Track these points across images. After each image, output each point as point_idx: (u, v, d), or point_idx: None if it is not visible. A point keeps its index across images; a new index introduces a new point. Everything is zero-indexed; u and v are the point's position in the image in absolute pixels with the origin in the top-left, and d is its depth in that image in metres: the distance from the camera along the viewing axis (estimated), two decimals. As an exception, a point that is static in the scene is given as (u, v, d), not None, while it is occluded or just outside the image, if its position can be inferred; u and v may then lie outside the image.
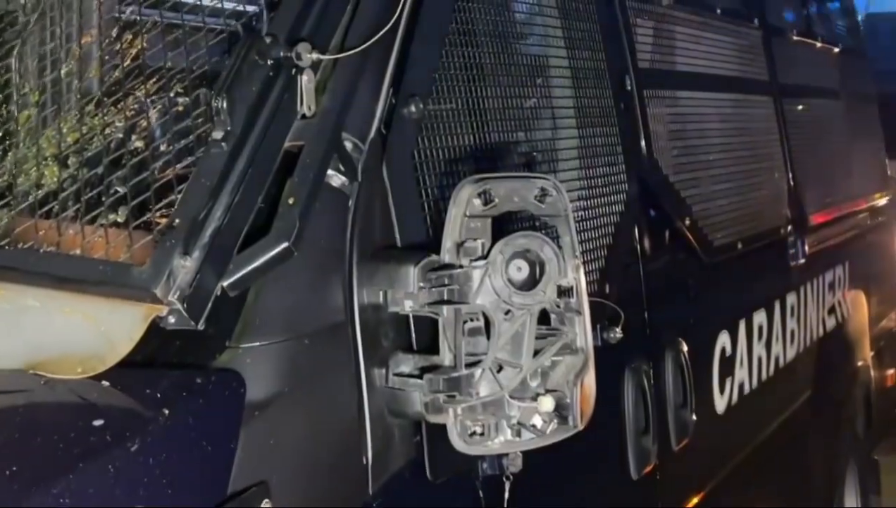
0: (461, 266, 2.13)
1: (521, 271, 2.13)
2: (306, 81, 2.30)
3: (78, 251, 2.10)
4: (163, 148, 2.35)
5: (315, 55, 2.28)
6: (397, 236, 2.35)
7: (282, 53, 2.26)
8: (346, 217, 2.27)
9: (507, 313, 2.13)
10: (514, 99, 2.84)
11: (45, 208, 2.30)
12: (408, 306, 2.22)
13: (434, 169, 2.49)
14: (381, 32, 2.33)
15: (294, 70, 2.28)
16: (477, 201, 2.18)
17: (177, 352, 2.10)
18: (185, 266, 2.01)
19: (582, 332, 2.19)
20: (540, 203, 2.17)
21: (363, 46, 2.33)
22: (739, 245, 4.32)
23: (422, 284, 2.17)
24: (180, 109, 2.40)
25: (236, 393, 1.98)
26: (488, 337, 2.17)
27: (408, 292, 2.20)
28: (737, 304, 4.35)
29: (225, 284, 2.07)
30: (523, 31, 3.00)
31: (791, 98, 5.37)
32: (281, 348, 2.12)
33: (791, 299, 4.99)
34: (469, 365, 2.16)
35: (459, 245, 2.16)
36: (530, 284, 2.13)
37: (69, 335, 2.03)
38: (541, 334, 2.19)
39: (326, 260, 2.23)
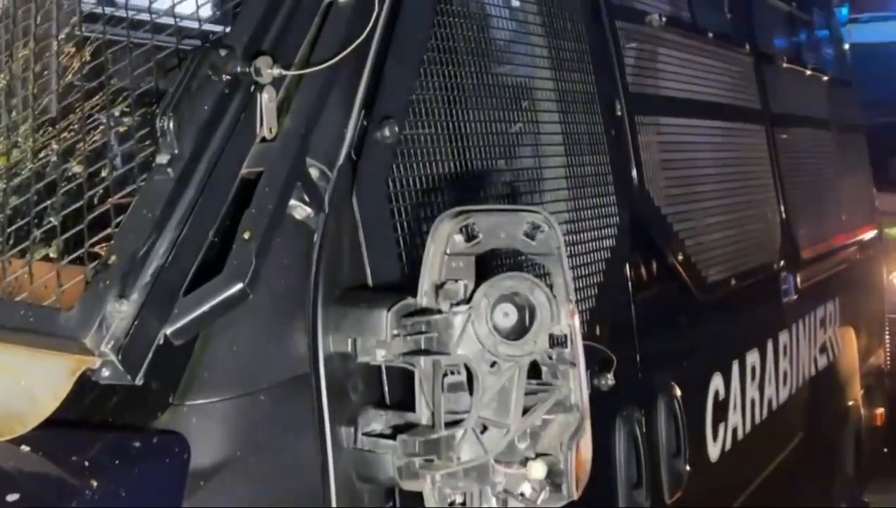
0: (440, 311, 1.85)
1: (508, 317, 1.86)
2: (266, 99, 2.03)
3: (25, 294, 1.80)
4: (102, 173, 2.06)
5: (277, 70, 2.01)
6: (368, 275, 2.07)
7: (239, 68, 1.99)
8: (311, 254, 1.99)
9: (492, 365, 1.86)
10: (498, 124, 2.57)
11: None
12: (379, 357, 1.94)
13: (410, 200, 2.22)
14: (353, 46, 2.07)
15: (253, 87, 2.00)
16: (458, 238, 1.90)
17: (112, 410, 1.82)
18: (120, 311, 1.73)
19: (577, 387, 1.92)
20: (530, 239, 1.90)
21: (332, 62, 2.06)
22: (733, 281, 4.07)
23: (396, 331, 1.89)
24: (123, 130, 2.12)
25: (179, 459, 1.70)
26: (471, 392, 1.88)
27: (380, 341, 1.92)
28: (730, 344, 4.09)
29: (168, 331, 1.79)
30: (507, 51, 2.73)
31: (783, 128, 5.14)
32: (232, 405, 1.84)
33: (783, 337, 4.75)
34: (449, 425, 1.88)
35: (439, 287, 1.88)
36: (519, 332, 1.86)
37: (-14, 391, 1.73)
38: (530, 389, 1.92)
39: (286, 303, 1.95)
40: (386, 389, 2.05)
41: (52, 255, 2.03)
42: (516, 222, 1.93)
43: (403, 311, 1.92)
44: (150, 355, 1.78)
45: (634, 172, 3.33)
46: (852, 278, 6.50)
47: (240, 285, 1.81)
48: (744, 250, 4.33)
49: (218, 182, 1.94)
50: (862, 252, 6.83)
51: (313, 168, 2.04)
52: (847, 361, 6.14)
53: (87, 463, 1.64)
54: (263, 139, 2.04)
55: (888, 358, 7.80)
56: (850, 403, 6.14)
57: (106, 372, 1.74)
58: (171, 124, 1.86)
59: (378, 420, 2.00)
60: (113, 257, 1.78)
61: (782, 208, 4.95)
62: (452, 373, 1.91)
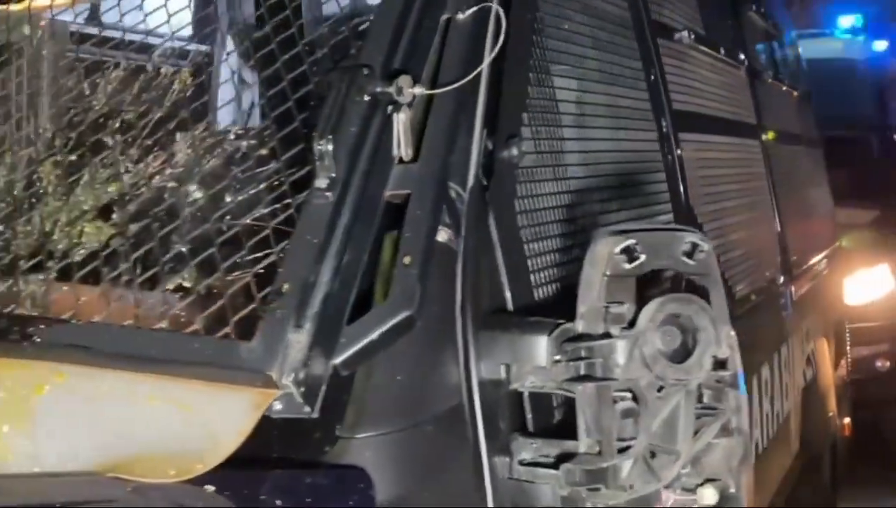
0: (607, 335, 1.79)
1: (671, 340, 1.81)
2: (404, 119, 1.95)
3: (164, 325, 1.71)
4: (228, 197, 1.98)
5: (419, 89, 1.94)
6: (508, 299, 2.01)
7: (379, 88, 1.91)
8: (455, 278, 1.92)
9: (659, 389, 1.80)
10: (595, 141, 2.52)
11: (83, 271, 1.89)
12: (537, 383, 1.88)
13: (534, 220, 2.16)
14: (487, 61, 2.01)
15: (391, 107, 1.93)
16: (619, 258, 1.85)
17: (276, 445, 1.72)
18: (298, 341, 1.65)
19: (739, 410, 1.87)
20: (689, 259, 1.85)
21: (467, 79, 2.01)
22: (753, 296, 4.07)
23: (557, 357, 1.83)
24: (244, 153, 2.04)
25: (366, 496, 1.61)
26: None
27: (537, 367, 1.86)
28: (750, 359, 4.08)
29: (337, 361, 1.71)
30: (589, 69, 2.68)
31: (774, 142, 5.18)
32: (403, 437, 1.78)
33: (784, 350, 4.77)
34: (611, 452, 1.82)
35: (605, 310, 1.82)
36: (681, 355, 1.80)
37: (158, 429, 1.65)
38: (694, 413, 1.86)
39: (439, 330, 1.87)
40: (529, 417, 1.99)
41: (186, 285, 1.94)
42: (676, 242, 1.89)
43: (564, 336, 1.86)
44: (324, 386, 1.70)
45: (681, 188, 3.31)
46: (823, 289, 6.58)
47: (407, 313, 1.74)
48: (757, 264, 4.35)
49: (368, 206, 1.86)
50: (829, 264, 6.92)
51: (452, 190, 1.97)
52: (825, 372, 6.21)
53: (279, 503, 1.55)
54: (401, 160, 1.96)
55: (849, 368, 7.90)
56: (830, 414, 6.20)
57: (279, 405, 1.66)
58: (330, 147, 1.79)
59: (527, 449, 1.94)
60: (286, 285, 1.70)
61: (777, 222, 4.98)
62: (618, 400, 1.85)
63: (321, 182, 1.80)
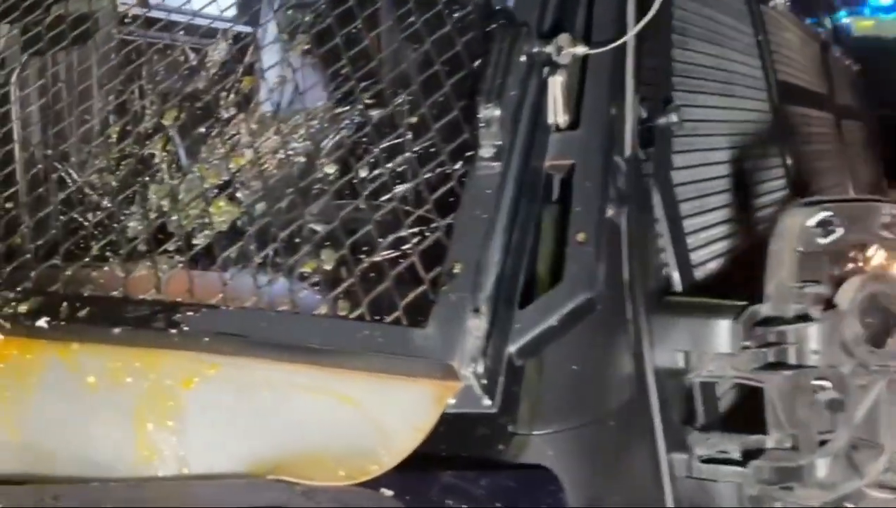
0: (806, 317, 1.61)
1: (871, 322, 1.62)
2: (561, 82, 1.76)
3: (323, 310, 1.53)
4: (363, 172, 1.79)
5: (580, 49, 1.75)
6: (676, 277, 1.82)
7: (536, 48, 1.72)
8: (621, 257, 1.73)
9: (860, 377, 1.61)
10: (732, 111, 2.33)
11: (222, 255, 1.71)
12: (717, 372, 1.69)
13: (690, 193, 1.97)
14: (649, 16, 1.81)
15: (547, 69, 1.74)
16: (813, 232, 1.66)
17: (440, 443, 1.54)
18: (477, 328, 1.46)
19: (941, 398, 1.69)
20: (888, 232, 1.66)
21: (628, 35, 1.81)
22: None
23: (747, 343, 1.64)
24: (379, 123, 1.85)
25: (557, 499, 1.43)
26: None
27: (723, 354, 1.67)
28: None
29: (512, 350, 1.52)
30: (720, 34, 2.49)
31: (845, 118, 4.99)
32: (587, 434, 1.59)
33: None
34: (808, 447, 1.64)
35: (797, 290, 1.63)
36: (879, 339, 1.62)
37: (323, 426, 1.48)
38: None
39: (610, 314, 1.69)
40: (700, 408, 1.81)
41: (325, 267, 1.75)
42: (874, 214, 1.71)
43: (752, 319, 1.68)
44: (502, 378, 1.51)
45: (790, 162, 3.13)
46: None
47: (587, 295, 1.56)
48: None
49: (531, 177, 1.68)
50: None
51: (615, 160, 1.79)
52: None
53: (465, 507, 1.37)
54: (557, 128, 1.77)
55: None
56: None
57: (453, 399, 1.48)
58: (497, 112, 1.60)
59: (703, 444, 1.76)
60: (458, 266, 1.52)
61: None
62: (817, 389, 1.66)
63: (486, 151, 1.61)
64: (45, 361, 1.59)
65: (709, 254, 2.01)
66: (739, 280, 1.96)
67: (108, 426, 1.55)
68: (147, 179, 1.91)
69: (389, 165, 1.72)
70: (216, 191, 1.90)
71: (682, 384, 1.78)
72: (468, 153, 1.70)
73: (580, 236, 1.62)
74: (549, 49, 1.76)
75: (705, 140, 2.11)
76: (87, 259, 1.74)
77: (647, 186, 1.85)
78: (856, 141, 5.50)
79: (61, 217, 1.79)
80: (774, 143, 2.81)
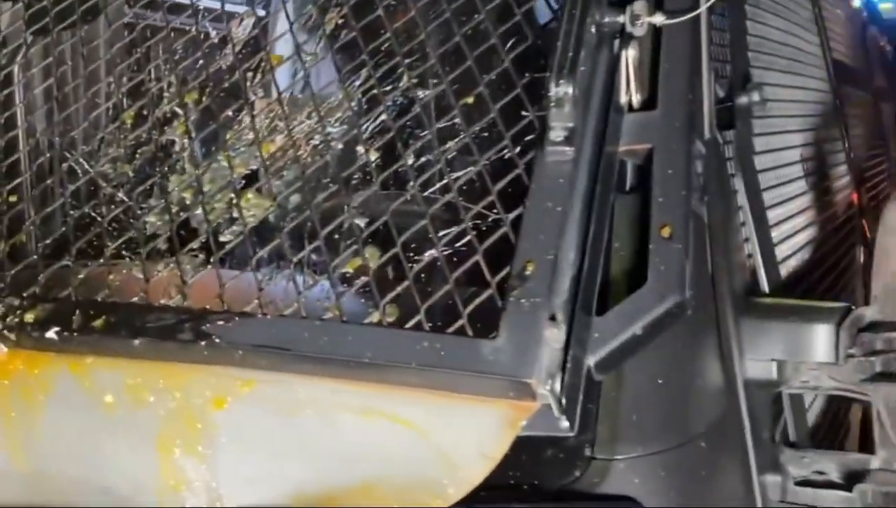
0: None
1: None
2: (634, 57, 1.56)
3: (374, 318, 1.33)
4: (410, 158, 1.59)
5: (658, 18, 1.54)
6: (762, 277, 1.61)
7: (607, 18, 1.52)
8: (705, 253, 1.52)
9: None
10: (800, 90, 2.12)
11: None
12: (813, 383, 1.48)
13: (773, 180, 1.76)
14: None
15: (618, 42, 1.53)
16: (927, 226, 1.45)
17: (509, 469, 1.33)
18: (556, 339, 1.26)
19: None
20: None
21: (707, 4, 1.59)
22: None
23: (852, 351, 1.43)
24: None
25: (648, 536, 1.22)
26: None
27: (824, 364, 1.46)
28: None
29: (592, 362, 1.31)
30: (788, 12, 2.28)
31: (883, 100, 4.78)
32: (676, 458, 1.38)
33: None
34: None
35: None
36: None
37: (376, 452, 1.27)
38: None
39: (696, 318, 1.48)
40: (791, 423, 1.60)
41: (370, 265, 1.54)
42: None
43: (857, 324, 1.47)
44: (581, 395, 1.31)
45: (847, 147, 2.92)
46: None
47: (676, 298, 1.35)
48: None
49: (605, 163, 1.47)
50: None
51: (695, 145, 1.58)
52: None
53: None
54: (630, 108, 1.57)
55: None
56: None
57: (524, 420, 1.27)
58: (570, 90, 1.39)
59: (797, 463, 1.55)
60: (530, 266, 1.31)
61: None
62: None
63: (557, 134, 1.41)
64: (55, 377, 1.39)
65: (790, 248, 1.80)
66: (820, 277, 1.75)
67: (127, 451, 1.35)
68: (166, 168, 1.69)
69: (442, 150, 1.50)
70: (244, 182, 1.68)
71: (769, 397, 1.57)
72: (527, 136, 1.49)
73: (665, 231, 1.41)
74: (622, 18, 1.54)
75: (780, 122, 1.89)
76: (100, 260, 1.52)
77: (728, 172, 1.64)
78: (891, 124, 5.30)
79: (71, 212, 1.57)
80: (836, 125, 2.60)
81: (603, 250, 1.44)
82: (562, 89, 1.41)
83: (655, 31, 1.64)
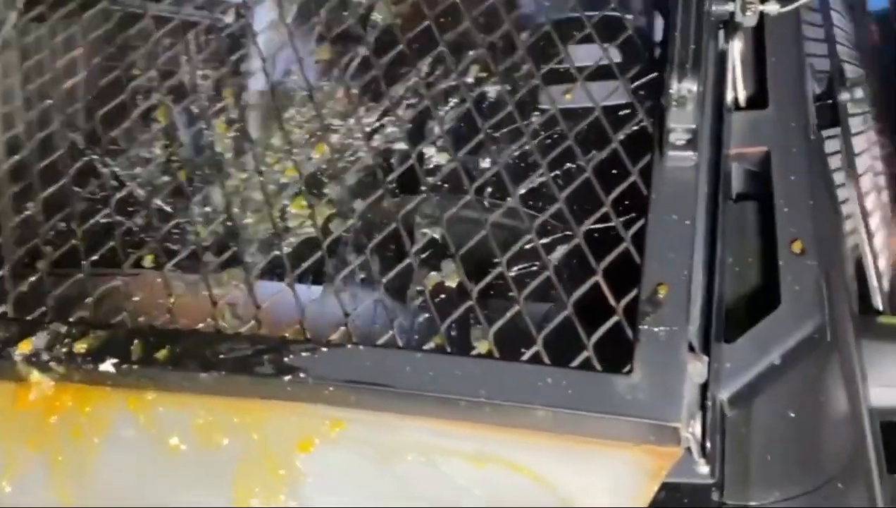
0: None
1: None
2: (741, 49, 1.41)
3: (483, 348, 1.16)
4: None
5: (772, 6, 1.38)
6: (877, 292, 1.46)
7: (714, 6, 1.37)
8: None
9: None
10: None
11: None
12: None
13: (868, 185, 1.61)
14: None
15: (725, 31, 1.39)
16: None
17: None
18: (699, 373, 1.10)
19: None
20: None
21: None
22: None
23: None
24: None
25: None
26: None
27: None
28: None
29: (725, 397, 1.15)
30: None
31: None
32: (816, 503, 1.22)
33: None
34: None
35: None
36: None
37: (488, 504, 1.08)
38: None
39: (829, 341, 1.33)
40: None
41: (448, 284, 1.37)
42: None
43: None
44: (719, 436, 1.15)
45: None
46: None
47: (816, 321, 1.20)
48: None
49: (723, 169, 1.31)
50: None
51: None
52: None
53: None
54: (737, 106, 1.41)
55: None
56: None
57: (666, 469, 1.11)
58: (694, 87, 1.23)
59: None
60: (663, 289, 1.15)
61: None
62: None
63: (678, 137, 1.24)
64: (110, 415, 1.20)
65: (887, 260, 1.65)
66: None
67: (196, 501, 1.16)
68: (208, 171, 1.51)
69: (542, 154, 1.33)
70: (297, 188, 1.50)
71: (881, 426, 1.42)
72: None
73: (796, 246, 1.26)
74: (731, 6, 1.38)
75: (869, 122, 1.74)
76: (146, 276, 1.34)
77: (832, 177, 1.49)
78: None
79: (116, 223, 1.38)
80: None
81: (725, 268, 1.28)
82: (685, 86, 1.25)
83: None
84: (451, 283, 1.41)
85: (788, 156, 1.35)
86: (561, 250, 1.25)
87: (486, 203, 1.39)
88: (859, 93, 1.59)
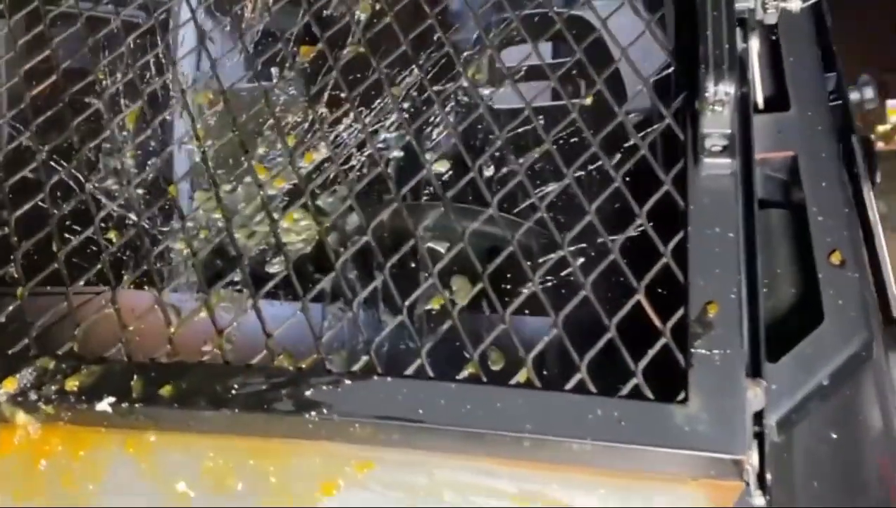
0: None
1: None
2: (757, 48, 1.34)
3: (521, 377, 1.06)
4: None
5: (794, 2, 1.31)
6: (894, 299, 1.40)
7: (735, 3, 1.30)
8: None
9: None
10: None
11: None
12: None
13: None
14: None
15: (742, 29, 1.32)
16: None
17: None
18: (760, 400, 1.02)
19: None
20: None
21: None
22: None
23: None
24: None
25: None
26: None
27: None
28: None
29: (774, 420, 1.08)
30: None
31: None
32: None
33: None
34: None
35: None
36: None
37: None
38: None
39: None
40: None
41: (458, 301, 1.27)
42: None
43: None
44: (771, 463, 1.07)
45: None
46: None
47: (863, 338, 1.13)
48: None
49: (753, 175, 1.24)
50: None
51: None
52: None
53: None
54: (756, 109, 1.34)
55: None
56: None
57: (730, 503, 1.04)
58: (731, 89, 1.15)
59: None
60: (714, 309, 1.06)
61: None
62: None
63: (715, 143, 1.16)
64: (107, 459, 1.09)
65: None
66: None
67: (208, 552, 1.04)
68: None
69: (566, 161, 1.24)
70: (287, 199, 1.39)
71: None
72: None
73: (835, 257, 1.18)
74: (750, 3, 1.31)
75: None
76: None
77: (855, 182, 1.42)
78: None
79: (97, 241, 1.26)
80: None
81: (759, 283, 1.20)
82: (722, 89, 1.16)
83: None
84: (462, 300, 1.30)
85: (818, 161, 1.28)
86: (597, 268, 1.15)
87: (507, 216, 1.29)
88: (869, 93, 1.52)
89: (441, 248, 1.37)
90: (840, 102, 1.51)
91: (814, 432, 1.19)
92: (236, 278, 1.27)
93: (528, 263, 1.18)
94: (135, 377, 1.10)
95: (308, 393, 1.07)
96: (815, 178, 1.27)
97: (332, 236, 1.37)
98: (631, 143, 1.29)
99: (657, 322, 1.10)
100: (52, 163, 1.42)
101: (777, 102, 1.37)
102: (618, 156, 1.28)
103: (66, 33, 1.47)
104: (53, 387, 1.10)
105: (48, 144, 1.36)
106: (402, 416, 1.05)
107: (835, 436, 1.20)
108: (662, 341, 1.09)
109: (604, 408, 1.03)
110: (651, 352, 1.08)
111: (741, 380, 1.04)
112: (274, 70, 1.56)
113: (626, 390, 1.06)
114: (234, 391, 1.08)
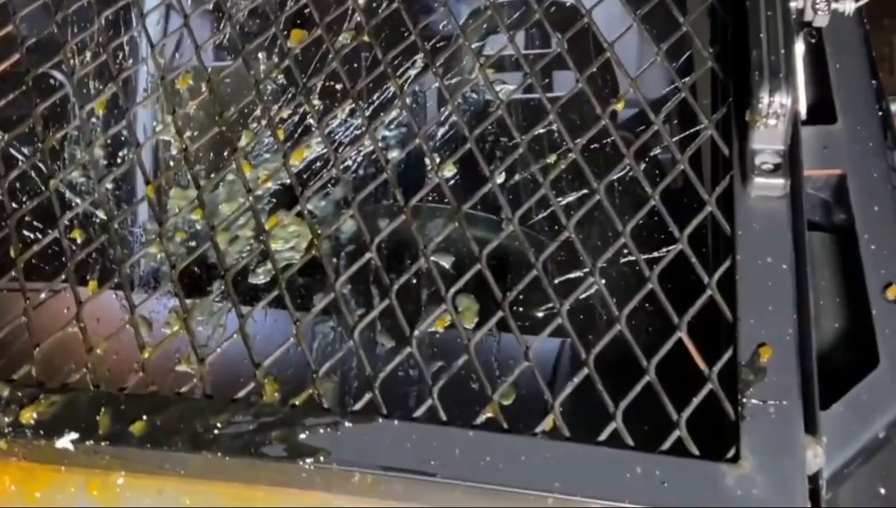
0: None
1: None
2: (803, 54, 1.20)
3: (546, 425, 0.92)
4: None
5: (848, 4, 1.18)
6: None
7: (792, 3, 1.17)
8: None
9: None
10: None
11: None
12: None
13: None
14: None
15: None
16: None
17: None
18: (820, 459, 0.89)
19: None
20: None
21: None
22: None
23: None
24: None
25: None
26: None
27: None
28: None
29: (827, 476, 0.95)
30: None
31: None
32: None
33: None
34: None
35: None
36: None
37: None
38: None
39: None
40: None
41: (466, 325, 1.13)
42: None
43: None
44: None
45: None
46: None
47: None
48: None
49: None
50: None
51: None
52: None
53: None
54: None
55: None
56: None
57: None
58: (788, 101, 1.02)
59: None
60: (766, 353, 0.93)
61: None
62: None
63: (766, 160, 1.02)
64: (66, 502, 0.94)
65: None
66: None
67: None
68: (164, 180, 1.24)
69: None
70: (273, 200, 1.24)
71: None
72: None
73: (891, 292, 1.05)
74: (798, 3, 1.17)
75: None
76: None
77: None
78: None
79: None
80: None
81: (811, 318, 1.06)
82: (778, 101, 1.02)
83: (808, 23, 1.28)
84: (468, 323, 1.17)
85: (869, 181, 1.15)
86: (634, 299, 1.02)
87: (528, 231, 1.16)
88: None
89: (445, 262, 1.23)
90: (881, 113, 1.38)
91: (862, 487, 1.06)
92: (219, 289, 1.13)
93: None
94: (102, 409, 0.95)
95: (303, 437, 0.92)
96: (866, 200, 1.14)
97: (325, 244, 1.22)
98: (657, 151, 1.15)
99: (702, 366, 0.96)
100: (12, 150, 1.26)
101: (820, 112, 1.24)
102: (642, 165, 1.14)
103: (32, 6, 1.32)
104: (7, 419, 0.95)
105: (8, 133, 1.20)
106: (411, 468, 0.91)
107: (883, 491, 1.08)
108: (708, 387, 0.95)
109: (644, 466, 0.90)
110: (695, 400, 0.94)
111: (800, 437, 0.91)
112: (261, 55, 1.41)
113: (667, 443, 0.92)
114: (216, 431, 0.93)
